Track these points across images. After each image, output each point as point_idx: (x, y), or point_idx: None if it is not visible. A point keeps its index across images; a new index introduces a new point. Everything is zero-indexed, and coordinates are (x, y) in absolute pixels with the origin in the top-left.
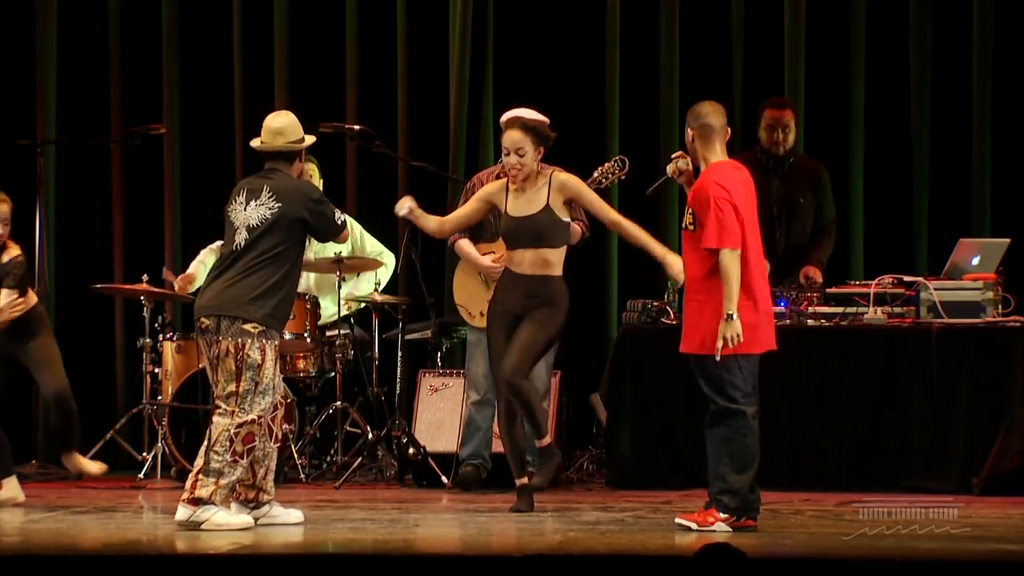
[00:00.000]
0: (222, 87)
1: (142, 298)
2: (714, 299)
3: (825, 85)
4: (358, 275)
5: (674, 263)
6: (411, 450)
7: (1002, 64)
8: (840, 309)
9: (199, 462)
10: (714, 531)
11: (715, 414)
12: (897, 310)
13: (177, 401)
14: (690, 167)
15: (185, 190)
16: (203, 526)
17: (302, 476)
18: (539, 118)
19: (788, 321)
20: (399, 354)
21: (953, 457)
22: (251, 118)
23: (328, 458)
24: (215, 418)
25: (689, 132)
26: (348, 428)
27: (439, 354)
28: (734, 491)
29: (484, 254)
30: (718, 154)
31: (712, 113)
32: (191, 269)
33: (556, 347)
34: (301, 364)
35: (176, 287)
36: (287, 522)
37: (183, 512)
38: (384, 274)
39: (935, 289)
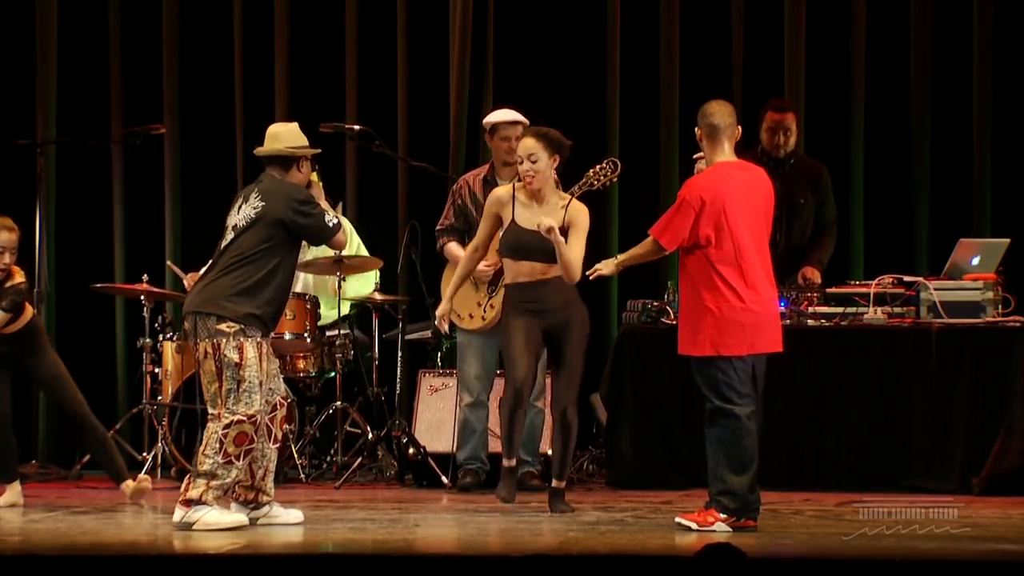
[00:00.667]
0: (222, 87)
1: (142, 298)
2: (708, 299)
3: (825, 85)
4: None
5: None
6: (411, 450)
7: (1002, 64)
8: (840, 309)
9: (195, 464)
10: (714, 531)
11: (710, 413)
12: (897, 310)
13: (177, 401)
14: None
15: (185, 190)
16: (195, 526)
17: (302, 476)
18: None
19: (788, 321)
20: (399, 354)
21: (953, 457)
22: (251, 118)
23: (328, 458)
24: (208, 422)
25: (698, 132)
26: (348, 428)
27: (439, 354)
28: (733, 492)
29: None
30: (724, 154)
31: (718, 113)
32: (203, 271)
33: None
34: (301, 364)
35: (185, 284)
36: (287, 522)
37: (177, 513)
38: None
39: (935, 289)
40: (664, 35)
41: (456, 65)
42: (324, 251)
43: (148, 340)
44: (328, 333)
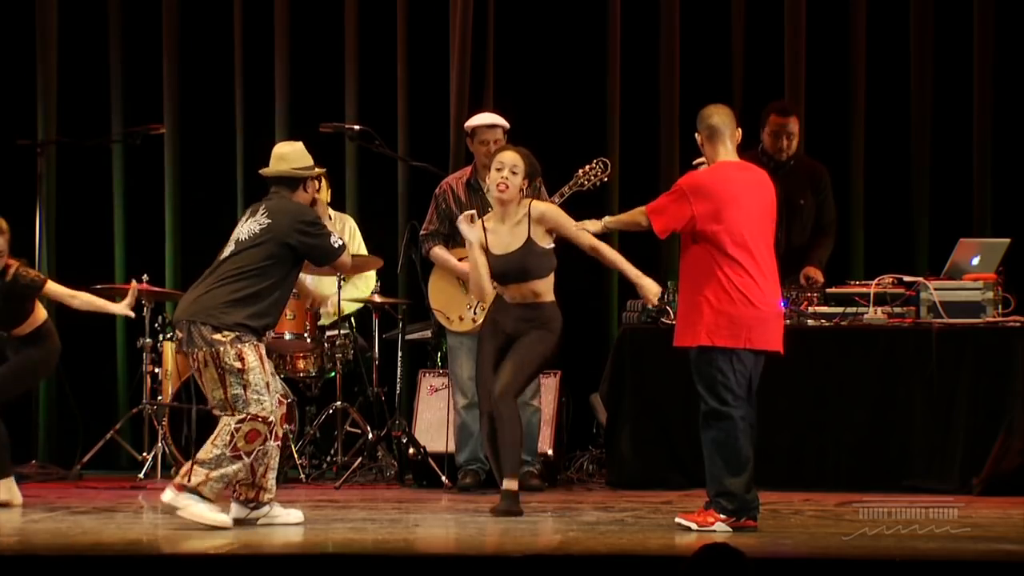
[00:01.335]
0: (222, 87)
1: (142, 298)
2: (706, 292)
3: (825, 84)
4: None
5: (648, 286)
6: (411, 450)
7: (1002, 64)
8: (840, 309)
9: (200, 452)
10: (714, 531)
11: (705, 415)
12: (897, 310)
13: (177, 401)
14: None
15: (185, 190)
16: (179, 512)
17: (302, 476)
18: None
19: (788, 321)
20: (399, 354)
21: (953, 457)
22: (251, 118)
23: (328, 458)
24: (222, 417)
25: (698, 137)
26: (348, 428)
27: (439, 354)
28: (731, 493)
29: (460, 259)
30: (725, 154)
31: (716, 114)
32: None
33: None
34: (301, 364)
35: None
36: (287, 522)
37: (168, 494)
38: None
39: (935, 289)
40: (664, 35)
41: (456, 65)
42: None
43: (148, 340)
44: (328, 333)
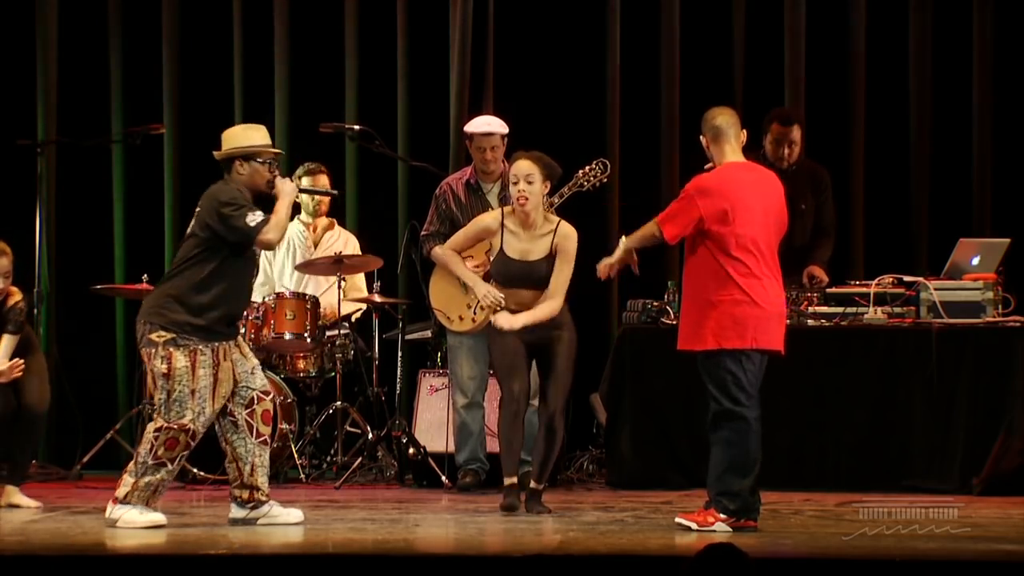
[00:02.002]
0: (222, 87)
1: (142, 298)
2: (711, 294)
3: (825, 84)
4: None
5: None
6: (411, 450)
7: (1002, 64)
8: (840, 309)
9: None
10: (714, 531)
11: (716, 416)
12: (897, 310)
13: None
14: None
15: (185, 190)
16: (118, 524)
17: (302, 476)
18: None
19: (788, 321)
20: (399, 354)
21: (953, 457)
22: (251, 118)
23: (328, 458)
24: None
25: (703, 139)
26: (348, 428)
27: (439, 354)
28: (734, 494)
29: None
30: (731, 155)
31: (721, 116)
32: None
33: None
34: (301, 364)
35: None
36: (287, 522)
37: (108, 509)
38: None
39: (935, 289)
40: (665, 36)
41: (456, 65)
42: (324, 252)
43: None
44: (328, 333)
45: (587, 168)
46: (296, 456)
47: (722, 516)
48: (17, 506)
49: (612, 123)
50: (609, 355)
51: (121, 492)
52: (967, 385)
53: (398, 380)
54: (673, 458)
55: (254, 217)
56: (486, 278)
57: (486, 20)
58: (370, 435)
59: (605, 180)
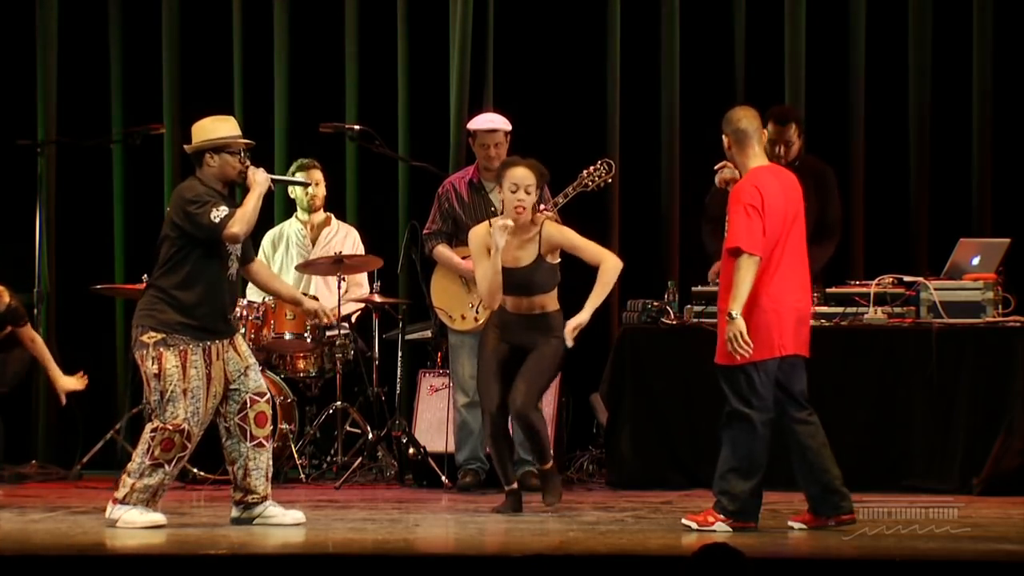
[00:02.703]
0: (222, 87)
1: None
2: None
3: (825, 86)
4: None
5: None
6: (411, 450)
7: (1002, 64)
8: (840, 309)
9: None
10: (714, 531)
11: (727, 415)
12: (897, 310)
13: None
14: (736, 175)
15: None
16: (118, 524)
17: (302, 476)
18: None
19: None
20: (399, 354)
21: (953, 457)
22: (251, 118)
23: (328, 458)
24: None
25: (725, 140)
26: (348, 428)
27: (439, 354)
28: (734, 495)
29: (463, 258)
30: (756, 158)
31: (745, 118)
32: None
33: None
34: (301, 364)
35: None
36: (287, 522)
37: (108, 510)
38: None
39: (935, 289)
40: (665, 35)
41: (456, 65)
42: (324, 250)
43: None
44: (328, 333)
45: (592, 168)
46: (296, 456)
47: (722, 516)
48: None
49: (612, 122)
50: (609, 355)
51: (120, 493)
52: (967, 385)
53: (398, 380)
54: (673, 458)
55: (218, 213)
56: None
57: (486, 20)
58: (370, 435)
59: (610, 180)
